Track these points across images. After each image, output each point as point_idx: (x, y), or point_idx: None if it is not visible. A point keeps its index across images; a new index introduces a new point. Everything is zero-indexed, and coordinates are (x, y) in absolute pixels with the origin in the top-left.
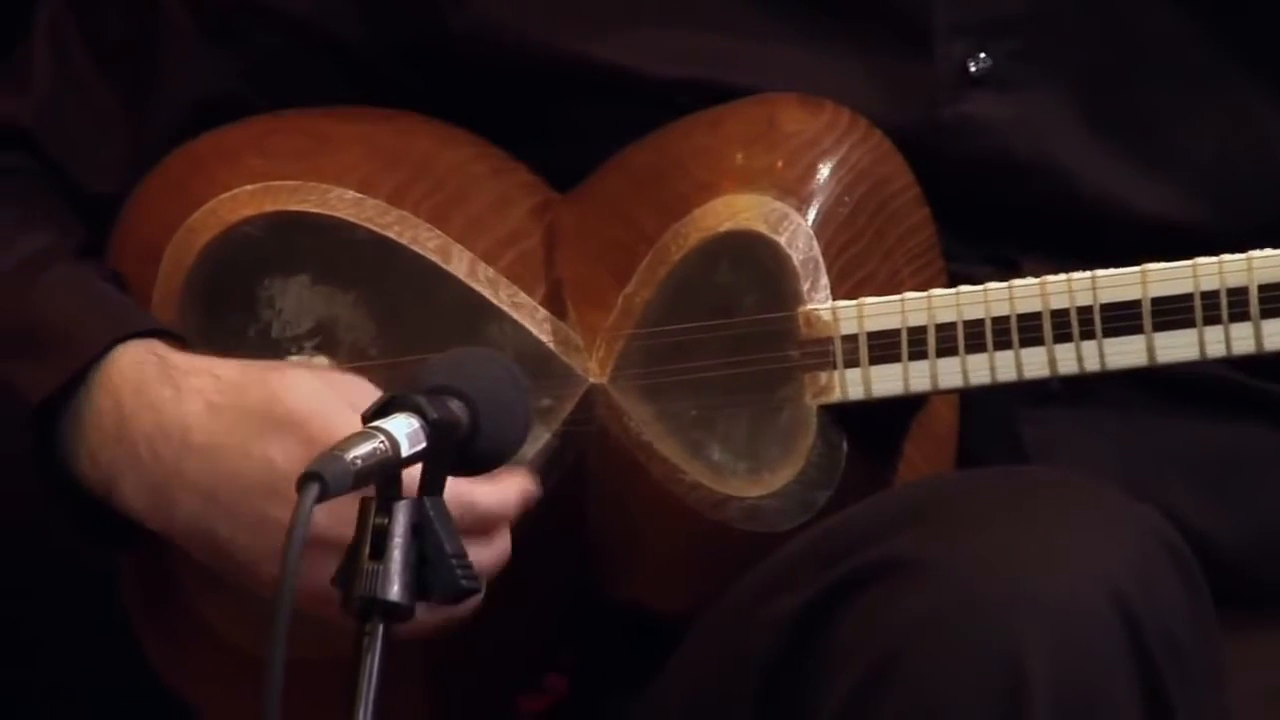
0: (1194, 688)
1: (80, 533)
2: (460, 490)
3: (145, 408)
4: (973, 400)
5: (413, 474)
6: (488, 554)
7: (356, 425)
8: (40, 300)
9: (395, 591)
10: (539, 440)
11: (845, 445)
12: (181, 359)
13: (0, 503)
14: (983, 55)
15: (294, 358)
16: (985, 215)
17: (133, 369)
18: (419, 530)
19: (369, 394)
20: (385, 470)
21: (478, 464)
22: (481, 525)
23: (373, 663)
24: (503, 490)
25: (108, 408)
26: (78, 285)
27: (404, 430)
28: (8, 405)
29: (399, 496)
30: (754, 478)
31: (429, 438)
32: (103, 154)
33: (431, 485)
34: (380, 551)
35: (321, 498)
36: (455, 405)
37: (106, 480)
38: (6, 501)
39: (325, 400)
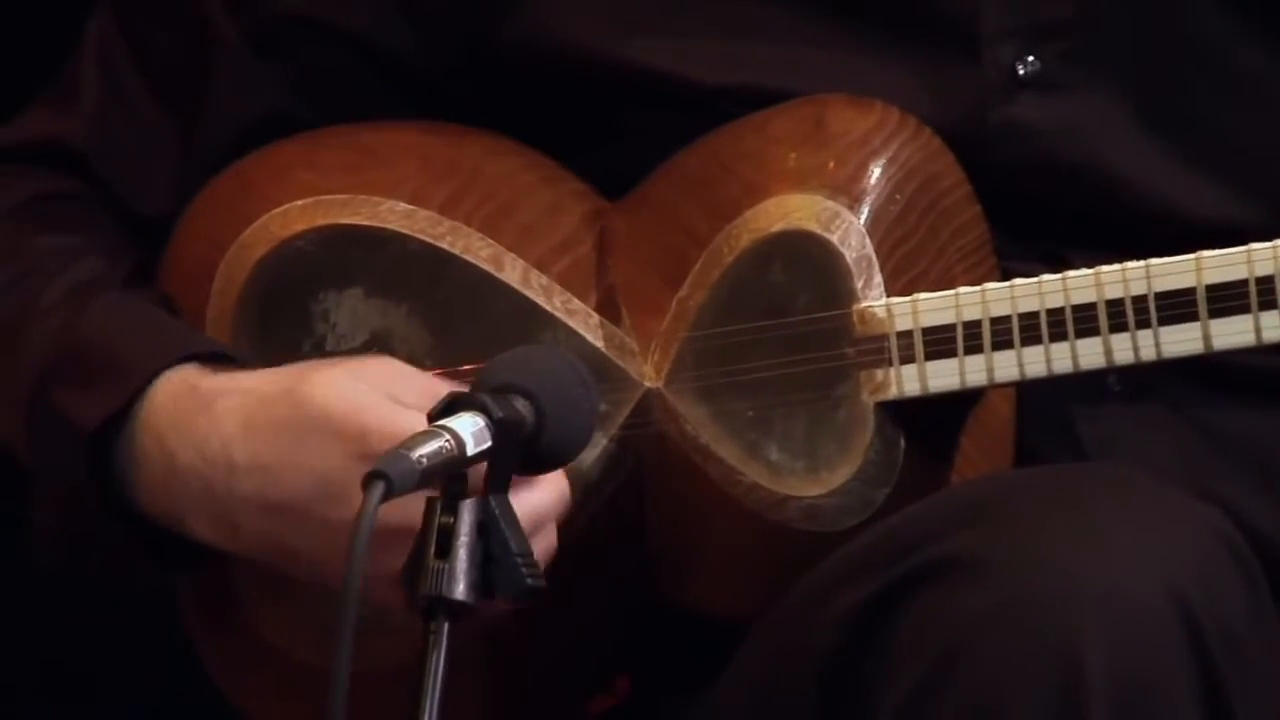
0: (1254, 685)
1: (143, 557)
2: None
3: (185, 443)
4: (1029, 397)
5: (478, 471)
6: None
7: (389, 413)
8: (88, 327)
9: (461, 590)
10: (597, 446)
11: (903, 442)
12: (211, 382)
13: (58, 527)
14: (1031, 58)
15: None
16: (1035, 217)
17: (168, 404)
18: (484, 529)
19: (396, 375)
20: (450, 469)
21: (543, 462)
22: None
23: (438, 661)
24: (538, 490)
25: (152, 449)
26: (124, 310)
27: (469, 429)
28: (62, 434)
29: (464, 495)
30: (812, 477)
31: (494, 436)
32: (153, 175)
33: (496, 484)
34: (446, 550)
35: (387, 497)
36: (520, 404)
37: (175, 516)
38: (64, 526)
39: (352, 395)
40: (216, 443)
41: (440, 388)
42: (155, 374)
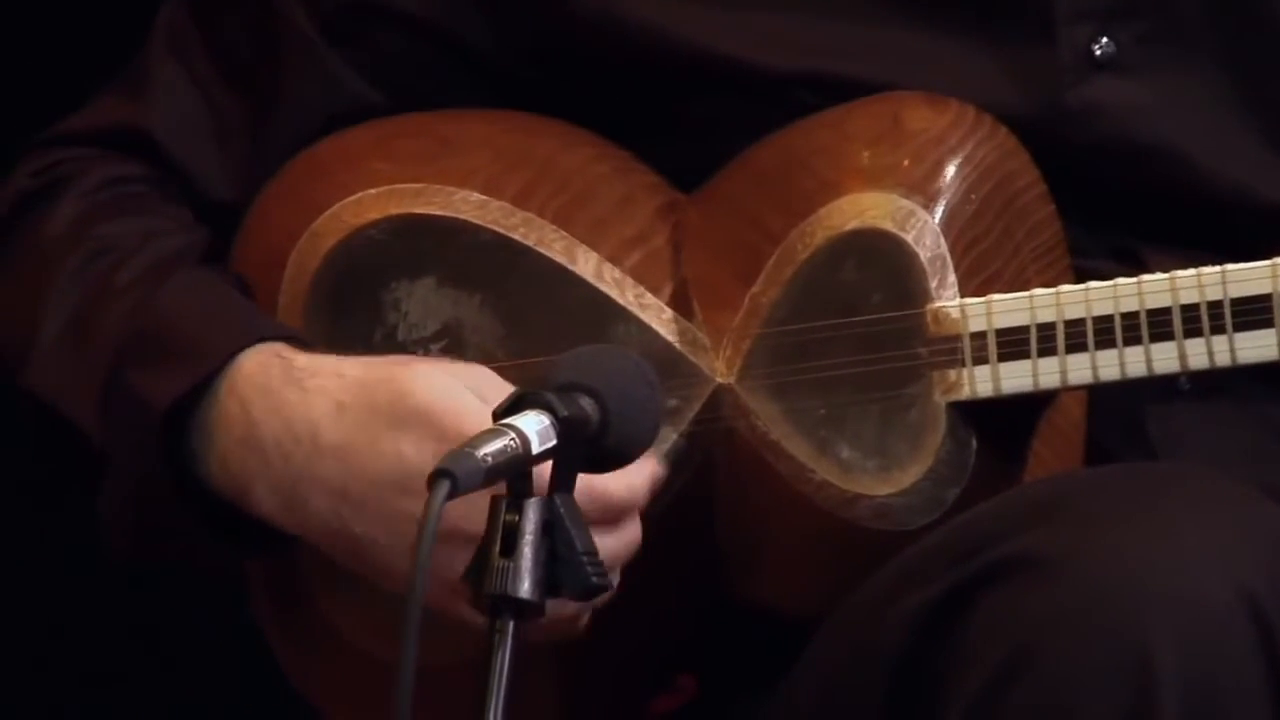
0: None
1: (212, 538)
2: (588, 481)
3: (272, 411)
4: (1100, 397)
5: (544, 470)
6: (616, 542)
7: (485, 417)
8: (164, 307)
9: (526, 589)
10: (666, 441)
11: (974, 442)
12: (305, 360)
13: (129, 510)
14: (1106, 40)
15: None
16: (1109, 203)
17: (258, 373)
18: (549, 527)
19: (494, 384)
20: (516, 468)
21: (608, 461)
22: (609, 514)
23: (504, 660)
24: (630, 477)
25: (235, 413)
26: (201, 291)
27: (534, 427)
28: (135, 415)
29: (530, 494)
30: (883, 475)
31: (559, 435)
32: (224, 161)
33: (562, 482)
34: (511, 549)
35: (452, 495)
36: (585, 402)
37: (239, 485)
38: (136, 508)
39: (453, 394)
40: (305, 420)
41: None
42: (230, 356)
